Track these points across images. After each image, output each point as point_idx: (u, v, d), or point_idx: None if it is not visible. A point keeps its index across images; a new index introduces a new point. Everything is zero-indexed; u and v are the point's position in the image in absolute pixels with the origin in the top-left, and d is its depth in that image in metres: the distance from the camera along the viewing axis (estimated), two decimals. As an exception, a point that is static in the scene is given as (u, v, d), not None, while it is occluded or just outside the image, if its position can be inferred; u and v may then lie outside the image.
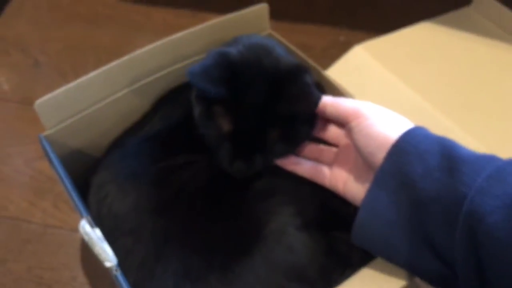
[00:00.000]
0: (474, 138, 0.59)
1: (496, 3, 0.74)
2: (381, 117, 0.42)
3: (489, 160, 0.36)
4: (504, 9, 0.74)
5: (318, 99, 0.45)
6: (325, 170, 0.49)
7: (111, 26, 0.95)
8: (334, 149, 0.50)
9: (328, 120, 0.49)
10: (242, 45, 0.49)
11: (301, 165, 0.50)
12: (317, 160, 0.50)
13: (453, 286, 0.37)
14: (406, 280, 0.41)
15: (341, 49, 0.79)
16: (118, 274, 0.41)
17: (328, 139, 0.50)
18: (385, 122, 0.42)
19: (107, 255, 0.42)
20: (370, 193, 0.41)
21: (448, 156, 0.37)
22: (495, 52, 0.72)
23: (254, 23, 0.60)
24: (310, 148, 0.51)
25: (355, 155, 0.46)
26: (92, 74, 0.52)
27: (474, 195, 0.34)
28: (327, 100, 0.46)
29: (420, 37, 0.73)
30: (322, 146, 0.51)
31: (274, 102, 0.46)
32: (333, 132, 0.50)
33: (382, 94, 0.66)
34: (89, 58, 0.88)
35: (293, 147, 0.50)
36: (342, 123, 0.45)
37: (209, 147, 0.49)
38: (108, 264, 0.42)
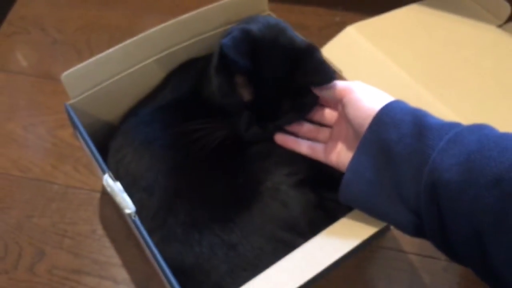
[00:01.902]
0: (452, 111, 0.64)
1: (481, -13, 0.79)
2: (368, 93, 0.48)
3: (452, 126, 0.42)
4: (489, -8, 0.78)
5: (333, 73, 0.50)
6: (321, 147, 0.54)
7: (123, 6, 0.99)
8: (328, 129, 0.55)
9: (323, 105, 0.55)
10: (261, 23, 0.54)
11: (299, 144, 0.55)
12: (314, 139, 0.56)
13: (422, 232, 0.43)
14: (378, 227, 0.47)
15: (337, 29, 0.83)
16: (136, 219, 0.48)
17: (323, 121, 0.56)
18: (371, 97, 0.47)
19: (127, 204, 0.49)
20: (354, 158, 0.46)
21: (419, 124, 0.42)
22: (478, 33, 0.76)
23: (254, 5, 0.66)
24: (308, 128, 0.56)
25: (346, 130, 0.52)
26: (111, 50, 0.57)
27: (436, 155, 0.40)
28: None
29: (409, 19, 0.77)
30: (318, 127, 0.56)
31: (290, 75, 0.51)
32: (327, 114, 0.55)
33: (372, 71, 0.70)
34: (103, 36, 0.93)
35: (301, 116, 0.55)
36: (337, 99, 0.51)
37: (223, 114, 0.54)
38: (127, 211, 0.48)
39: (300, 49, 0.52)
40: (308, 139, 0.56)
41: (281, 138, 0.56)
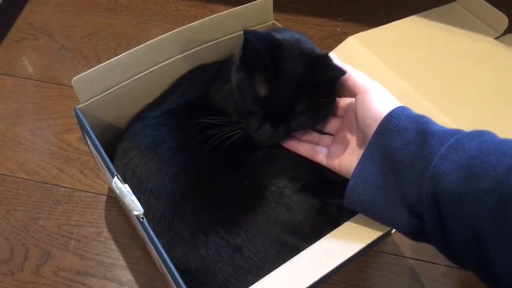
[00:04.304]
0: (450, 119, 0.65)
1: (479, -1, 0.80)
2: (380, 96, 0.49)
3: (453, 133, 0.43)
4: (486, 4, 0.79)
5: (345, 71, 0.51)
6: (324, 151, 0.55)
7: (129, 15, 1.01)
8: (330, 137, 0.56)
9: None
10: (283, 31, 0.55)
11: (302, 146, 0.56)
12: (317, 144, 0.57)
13: (425, 237, 0.43)
14: (382, 232, 0.48)
15: (338, 39, 0.86)
16: (144, 221, 0.48)
17: (326, 130, 0.57)
18: (382, 101, 0.48)
19: (136, 205, 0.49)
20: (360, 164, 0.47)
21: (422, 131, 0.44)
22: (475, 43, 0.77)
23: (259, 14, 0.67)
24: (311, 135, 0.57)
25: (350, 136, 0.53)
26: (121, 55, 0.59)
27: (437, 161, 0.41)
28: (349, 71, 0.52)
29: (408, 29, 0.79)
30: (321, 134, 0.57)
31: (306, 77, 0.51)
32: (331, 123, 0.56)
33: (372, 79, 0.72)
34: (110, 43, 0.95)
35: (314, 122, 0.55)
36: (353, 94, 0.51)
37: (237, 115, 0.55)
38: (136, 213, 0.49)
39: (318, 56, 0.54)
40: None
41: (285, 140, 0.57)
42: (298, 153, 0.56)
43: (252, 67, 0.53)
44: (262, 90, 0.52)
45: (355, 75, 0.51)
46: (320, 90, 0.53)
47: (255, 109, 0.53)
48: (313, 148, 0.56)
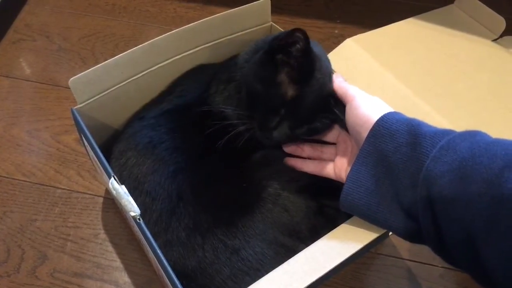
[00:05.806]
0: (448, 121, 0.66)
1: (476, 1, 0.80)
2: (367, 102, 0.49)
3: (445, 134, 0.43)
4: (483, 6, 0.80)
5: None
6: (329, 165, 0.55)
7: (127, 16, 1.01)
8: (333, 147, 0.57)
9: None
10: (315, 45, 0.55)
11: (307, 165, 0.56)
12: (320, 158, 0.57)
13: (421, 238, 0.44)
14: (379, 233, 0.48)
15: (336, 41, 0.86)
16: (141, 222, 0.48)
17: (328, 139, 0.57)
18: (368, 106, 0.48)
19: (132, 206, 0.49)
20: (354, 169, 0.48)
21: (414, 133, 0.44)
22: (473, 45, 0.78)
23: (257, 16, 0.67)
24: (313, 148, 0.57)
25: (352, 145, 0.53)
26: (118, 56, 0.59)
27: (429, 163, 0.41)
28: (339, 82, 0.53)
29: (405, 32, 0.79)
30: (321, 146, 0.57)
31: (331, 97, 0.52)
32: (331, 132, 0.56)
33: (370, 82, 0.72)
34: (108, 45, 0.95)
35: (324, 129, 0.55)
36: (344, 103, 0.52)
37: (247, 108, 0.54)
38: (132, 214, 0.49)
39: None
40: (314, 158, 0.57)
41: (289, 161, 0.57)
42: (305, 171, 0.56)
43: (280, 64, 0.52)
44: (291, 91, 0.52)
45: (344, 86, 0.52)
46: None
47: (277, 108, 0.52)
48: (318, 164, 0.56)
